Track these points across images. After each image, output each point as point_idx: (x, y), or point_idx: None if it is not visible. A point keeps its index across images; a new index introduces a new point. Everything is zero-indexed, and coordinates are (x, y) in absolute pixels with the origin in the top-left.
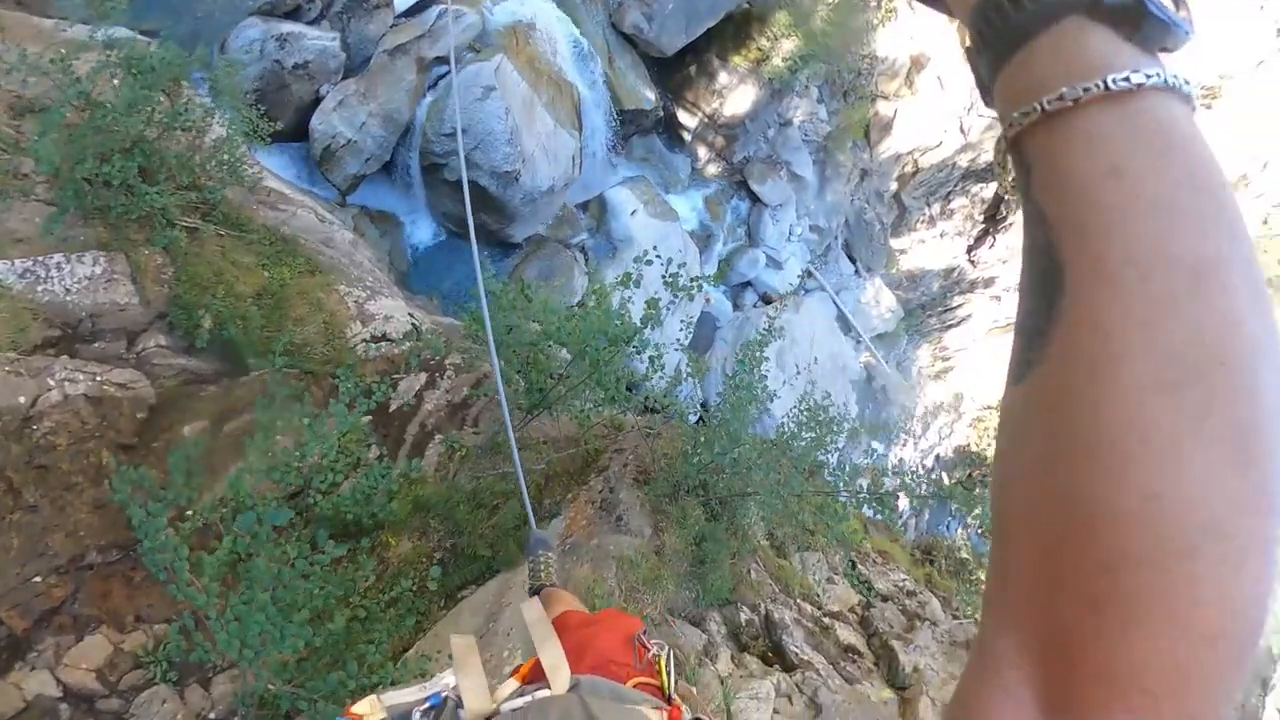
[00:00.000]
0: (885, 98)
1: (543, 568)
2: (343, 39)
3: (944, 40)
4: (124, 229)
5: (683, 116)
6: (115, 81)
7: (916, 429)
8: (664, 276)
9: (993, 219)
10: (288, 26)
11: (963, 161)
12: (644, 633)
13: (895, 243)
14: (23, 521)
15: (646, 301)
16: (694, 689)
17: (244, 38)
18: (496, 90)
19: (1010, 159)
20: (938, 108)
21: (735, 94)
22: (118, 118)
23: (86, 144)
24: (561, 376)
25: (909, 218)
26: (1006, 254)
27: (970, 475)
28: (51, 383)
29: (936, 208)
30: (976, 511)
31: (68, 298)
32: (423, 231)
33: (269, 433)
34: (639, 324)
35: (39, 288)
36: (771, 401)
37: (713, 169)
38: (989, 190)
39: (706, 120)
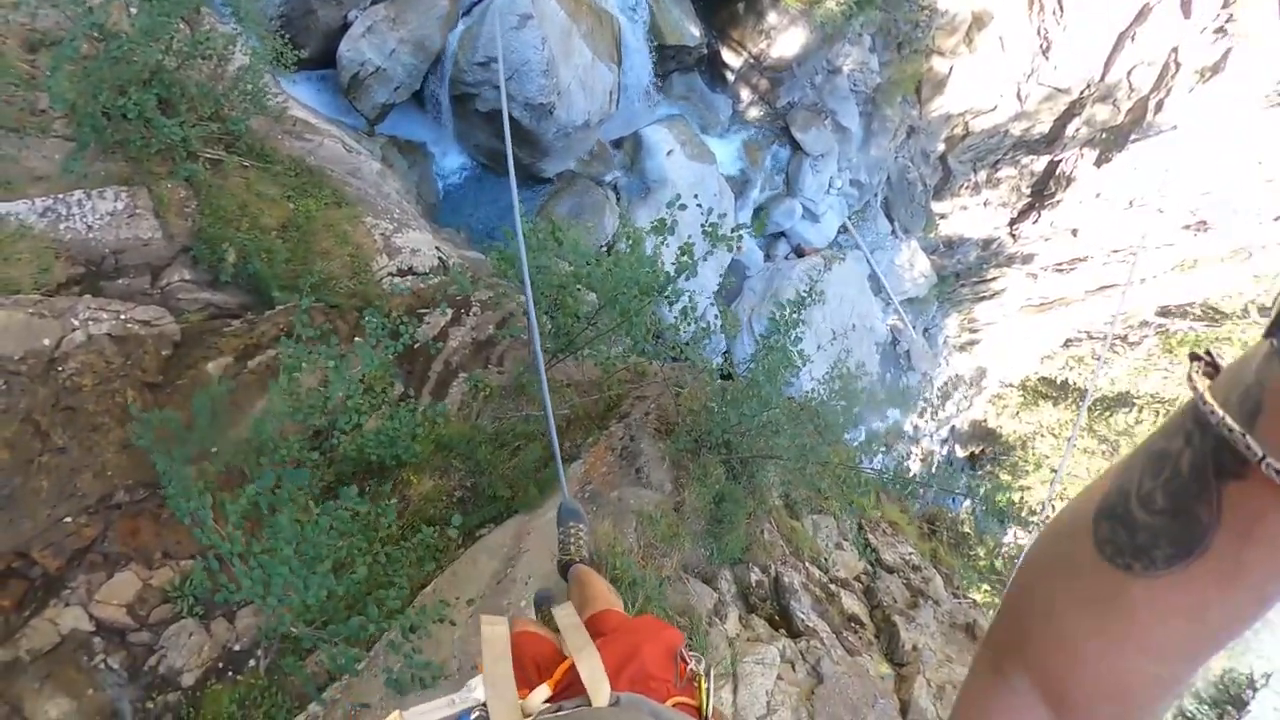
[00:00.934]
0: (941, 54)
1: (573, 541)
2: None
3: (1011, 2)
4: (145, 162)
5: (727, 55)
6: (132, 10)
7: (935, 398)
8: (703, 226)
9: (1040, 194)
10: None
11: (1016, 130)
12: (685, 647)
13: (936, 206)
14: (52, 463)
15: (680, 248)
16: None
17: None
18: (533, 19)
19: None
20: (996, 70)
21: (784, 35)
22: (134, 47)
23: (103, 76)
24: (590, 321)
25: (953, 182)
26: (1050, 232)
27: (982, 451)
28: (75, 323)
29: (983, 174)
30: (983, 491)
31: (90, 235)
32: (452, 162)
33: (293, 372)
34: (672, 273)
35: (61, 225)
36: (804, 366)
37: (754, 112)
38: (1040, 163)
39: (752, 61)
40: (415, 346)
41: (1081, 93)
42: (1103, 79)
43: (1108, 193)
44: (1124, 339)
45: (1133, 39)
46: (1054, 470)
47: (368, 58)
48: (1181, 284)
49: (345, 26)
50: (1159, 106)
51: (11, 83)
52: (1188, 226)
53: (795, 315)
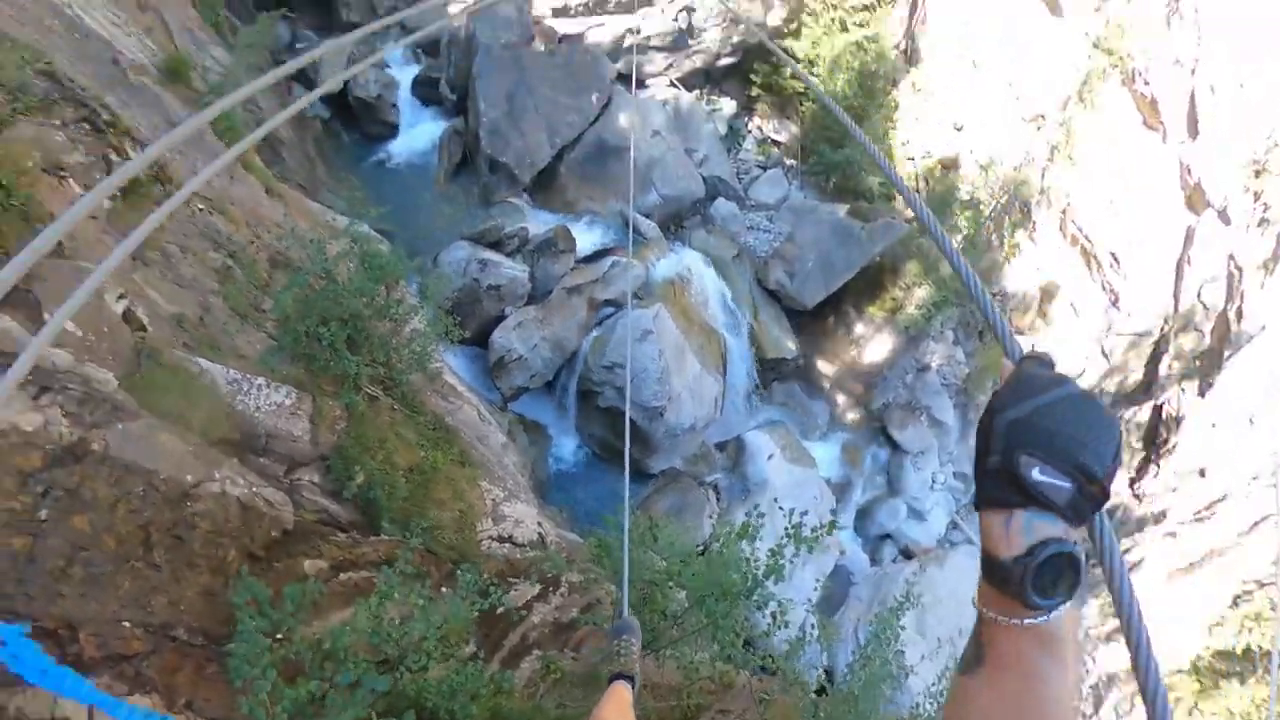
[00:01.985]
0: (1020, 332)
1: (623, 653)
2: (531, 272)
3: (1070, 268)
4: (319, 378)
5: (821, 365)
6: (351, 266)
7: (1088, 708)
8: (787, 528)
9: (1153, 444)
10: (489, 254)
11: (1110, 386)
12: None
13: None
14: (142, 572)
15: (770, 551)
16: None
17: (453, 256)
18: (653, 334)
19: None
20: (1075, 334)
21: (872, 342)
22: (344, 294)
23: (315, 306)
24: (676, 620)
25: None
26: (1175, 481)
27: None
28: (217, 476)
29: None
30: None
31: (256, 414)
32: (567, 447)
33: (385, 599)
34: (760, 576)
35: (238, 397)
36: (907, 678)
37: (851, 416)
38: (1143, 412)
39: (845, 368)
40: (498, 611)
41: (1162, 329)
42: (1176, 309)
43: (1222, 419)
44: None
45: (1189, 262)
46: None
47: (514, 346)
48: None
49: (502, 318)
50: (1240, 315)
51: (251, 282)
52: None
53: (895, 623)
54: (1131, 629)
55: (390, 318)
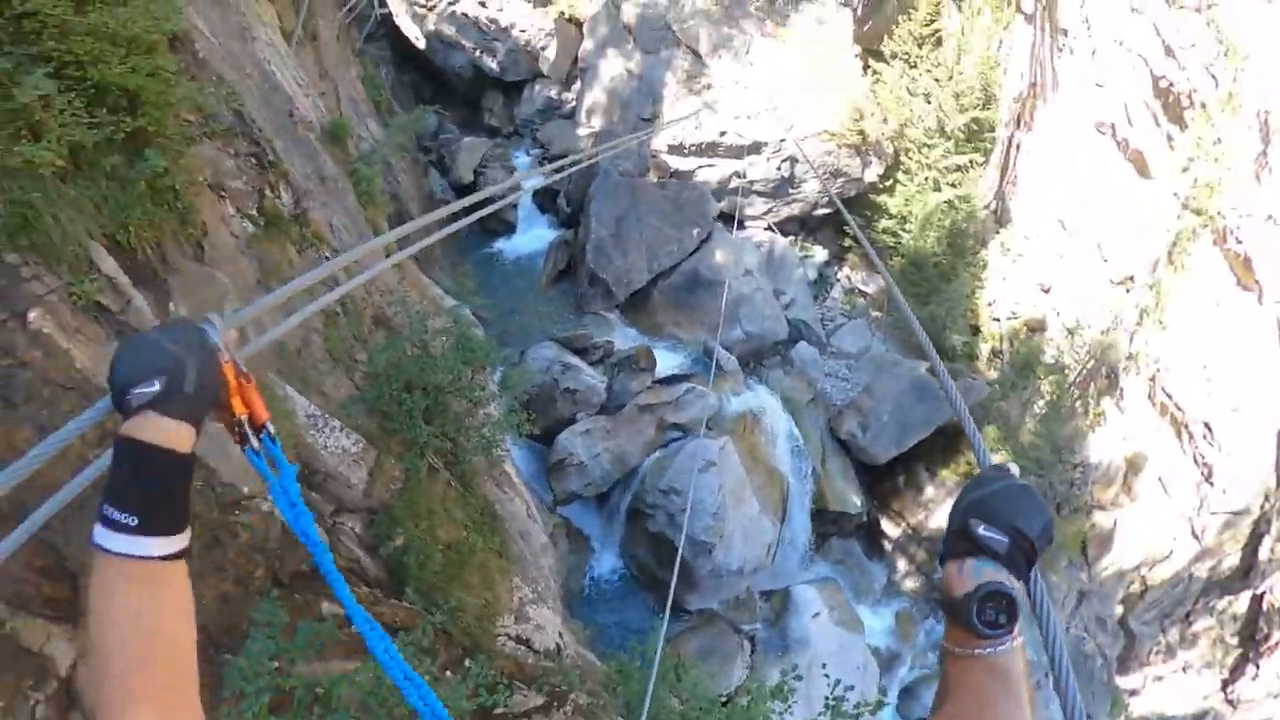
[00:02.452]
0: (1102, 507)
1: None
2: (609, 384)
3: (1160, 438)
4: (390, 437)
5: (886, 525)
6: (446, 342)
7: None
8: (828, 698)
9: (1252, 639)
10: (573, 359)
11: (1201, 572)
12: None
13: (1123, 681)
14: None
15: None
16: None
17: (539, 354)
18: (716, 466)
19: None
20: (1163, 512)
21: (942, 508)
22: (434, 368)
23: (404, 371)
24: None
25: (1139, 648)
26: (1278, 685)
27: None
28: (265, 497)
29: (1175, 633)
30: None
31: (322, 451)
32: (606, 563)
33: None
34: None
35: (311, 431)
36: None
37: (910, 583)
38: (1240, 602)
39: (910, 531)
40: (495, 712)
41: (1262, 508)
42: (1279, 485)
43: None
44: None
45: None
46: None
47: (577, 451)
48: None
49: (571, 421)
50: None
51: (353, 332)
52: None
53: None
54: (1059, 669)
55: (469, 399)
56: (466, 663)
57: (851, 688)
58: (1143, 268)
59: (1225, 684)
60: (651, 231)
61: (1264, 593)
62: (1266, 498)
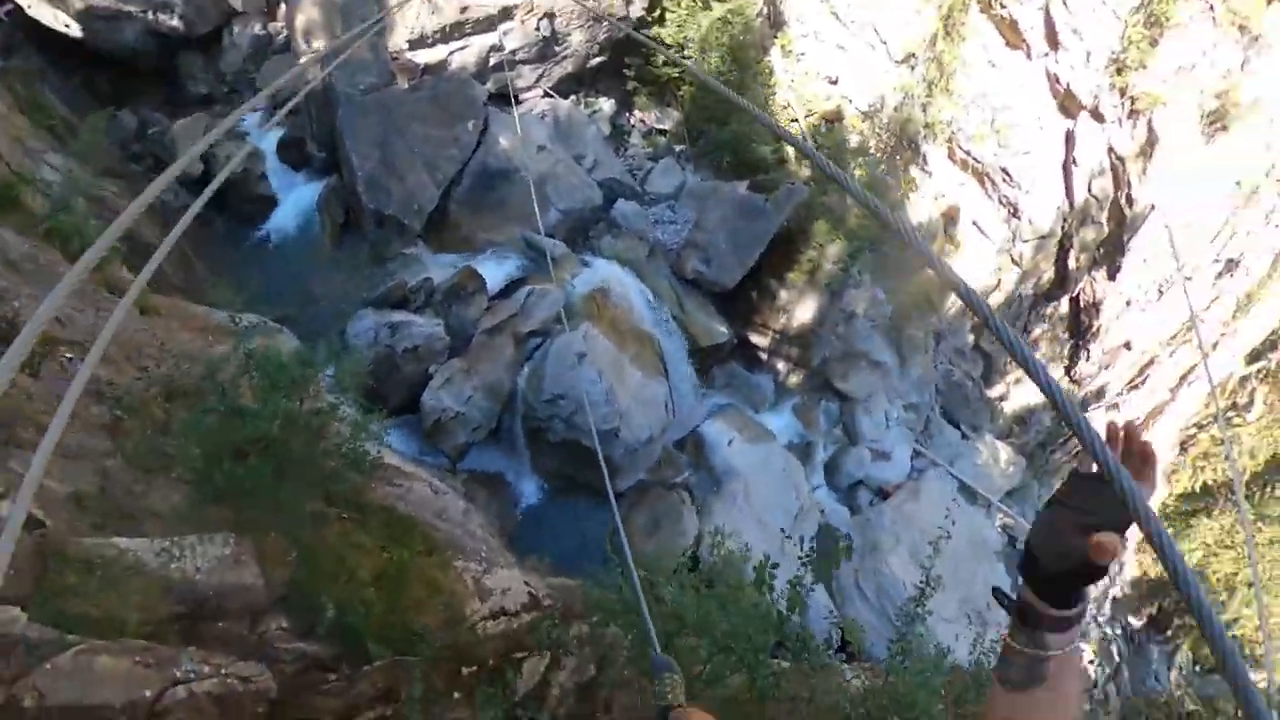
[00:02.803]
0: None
1: (669, 689)
2: (446, 323)
3: (965, 188)
4: (254, 512)
5: (755, 339)
6: (253, 377)
7: None
8: (800, 556)
9: (1079, 332)
10: (397, 316)
11: (1027, 290)
12: None
13: (991, 391)
14: None
15: (789, 582)
16: None
17: (359, 327)
18: (587, 355)
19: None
20: (984, 250)
21: (799, 307)
22: (252, 418)
23: (223, 444)
24: (698, 673)
25: (996, 362)
26: (1106, 359)
27: (1160, 608)
28: (178, 673)
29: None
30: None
31: (197, 576)
32: (528, 490)
33: None
34: (783, 611)
35: (172, 565)
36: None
37: (795, 379)
38: (1063, 306)
39: (778, 336)
40: (517, 698)
41: (1063, 228)
42: (1072, 207)
43: (1135, 295)
44: (1234, 406)
45: (1075, 163)
46: (1249, 585)
47: (447, 405)
48: (1249, 325)
49: (427, 378)
50: (1130, 200)
51: (148, 429)
52: (1220, 275)
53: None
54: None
55: (309, 427)
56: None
57: (788, 537)
58: (921, 44)
59: (1067, 369)
60: (422, 143)
61: (1079, 294)
62: (1064, 219)
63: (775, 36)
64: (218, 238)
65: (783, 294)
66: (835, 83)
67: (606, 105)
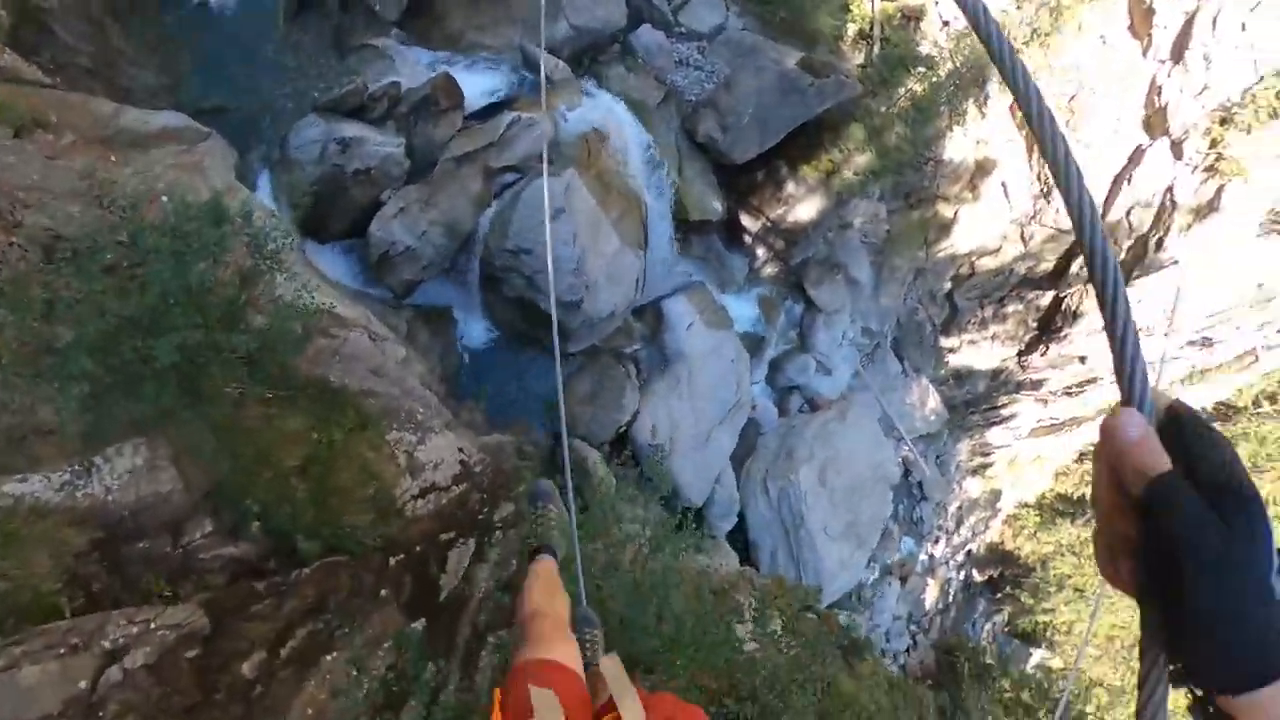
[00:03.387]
0: (946, 200)
1: (542, 525)
2: (408, 142)
3: (1012, 147)
4: (164, 403)
5: (745, 220)
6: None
7: (950, 524)
8: None
9: (1048, 328)
10: (350, 129)
11: (1021, 269)
12: None
13: (945, 341)
14: None
15: None
16: None
17: (304, 136)
18: (565, 212)
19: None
20: (1000, 214)
21: (802, 204)
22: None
23: (121, 323)
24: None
25: (960, 318)
26: (1059, 360)
27: (1000, 574)
28: (107, 645)
29: (990, 310)
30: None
31: (109, 497)
32: (475, 330)
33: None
34: None
35: (79, 494)
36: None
37: (769, 269)
38: (1045, 298)
39: (769, 225)
40: (440, 599)
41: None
42: (1103, 218)
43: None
44: None
45: (1129, 181)
46: (1078, 590)
47: (398, 238)
48: (1191, 393)
49: (377, 204)
50: (1159, 245)
51: (26, 316)
52: (1193, 343)
53: None
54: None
55: (227, 299)
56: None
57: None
58: None
59: (1020, 354)
60: None
61: (1065, 296)
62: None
63: None
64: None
65: (790, 185)
66: None
67: None
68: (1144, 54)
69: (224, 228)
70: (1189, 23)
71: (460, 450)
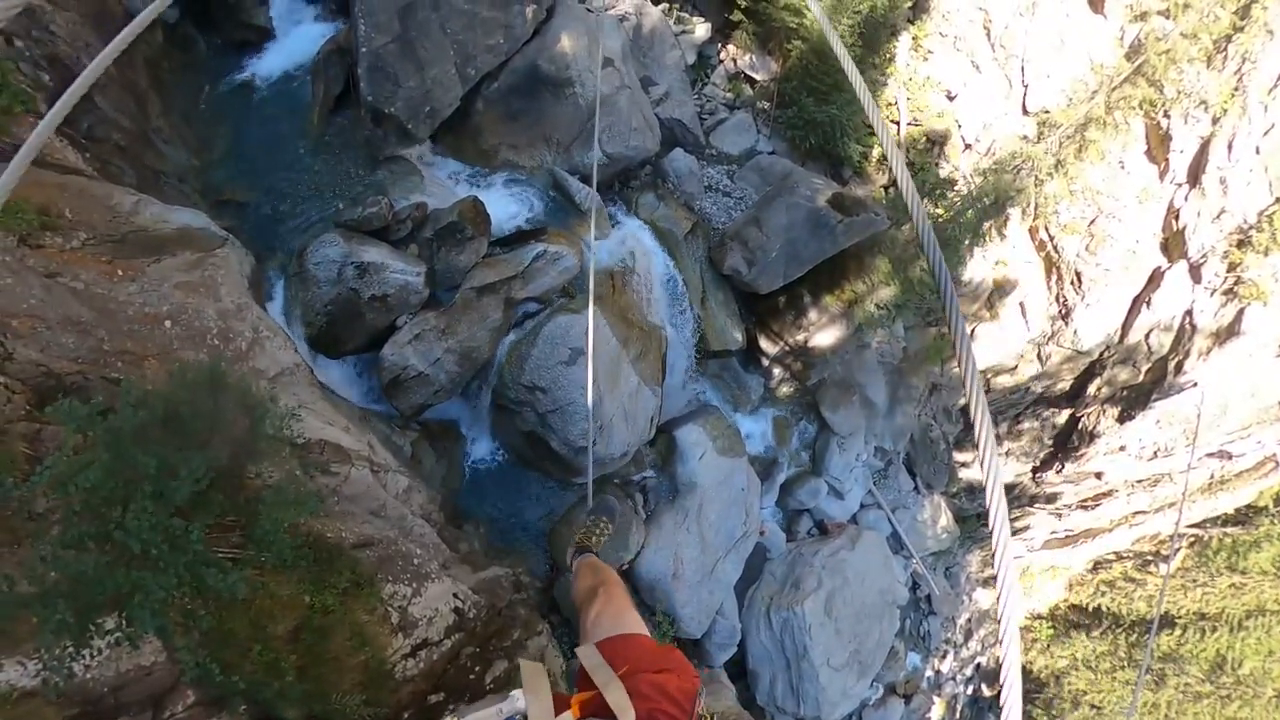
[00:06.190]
0: (964, 318)
1: (596, 533)
2: (430, 266)
3: (1030, 269)
4: (148, 572)
5: (764, 343)
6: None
7: (958, 638)
8: None
9: (1064, 446)
10: (371, 253)
11: (1037, 388)
12: (701, 693)
13: (959, 455)
14: None
15: None
16: None
17: (323, 255)
18: (584, 355)
19: None
20: (1017, 333)
21: (822, 331)
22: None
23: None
24: None
25: (974, 433)
26: (1074, 476)
27: None
28: None
29: (1004, 427)
30: None
31: (88, 675)
32: (481, 449)
33: None
34: None
35: (56, 682)
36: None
37: (785, 390)
38: (1061, 417)
39: (787, 348)
40: None
41: (1102, 354)
42: (1121, 341)
43: (1132, 446)
44: (1157, 554)
45: (1148, 304)
46: (1095, 708)
47: (411, 363)
48: (1209, 503)
49: (392, 328)
50: (1178, 368)
51: (11, 477)
52: (1212, 454)
53: None
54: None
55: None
56: None
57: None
58: (1059, 103)
59: (1035, 470)
60: (460, 19)
61: (1081, 416)
62: (1108, 347)
63: (912, 23)
64: (196, 66)
65: (812, 313)
66: (953, 99)
67: (701, 29)
68: (1161, 178)
69: (220, 399)
70: (1204, 147)
71: (455, 596)
